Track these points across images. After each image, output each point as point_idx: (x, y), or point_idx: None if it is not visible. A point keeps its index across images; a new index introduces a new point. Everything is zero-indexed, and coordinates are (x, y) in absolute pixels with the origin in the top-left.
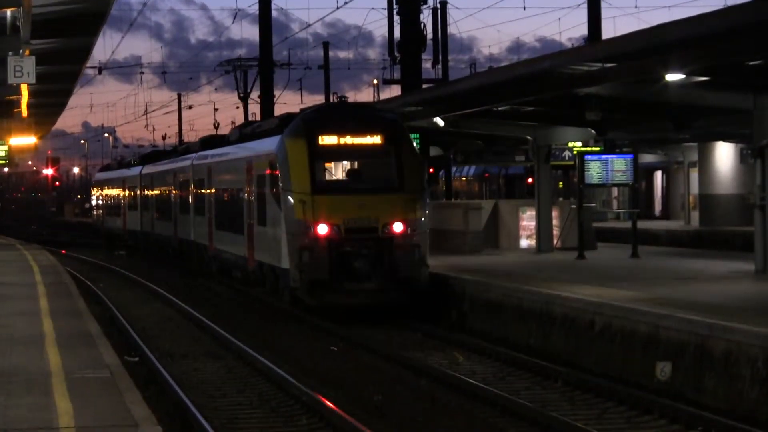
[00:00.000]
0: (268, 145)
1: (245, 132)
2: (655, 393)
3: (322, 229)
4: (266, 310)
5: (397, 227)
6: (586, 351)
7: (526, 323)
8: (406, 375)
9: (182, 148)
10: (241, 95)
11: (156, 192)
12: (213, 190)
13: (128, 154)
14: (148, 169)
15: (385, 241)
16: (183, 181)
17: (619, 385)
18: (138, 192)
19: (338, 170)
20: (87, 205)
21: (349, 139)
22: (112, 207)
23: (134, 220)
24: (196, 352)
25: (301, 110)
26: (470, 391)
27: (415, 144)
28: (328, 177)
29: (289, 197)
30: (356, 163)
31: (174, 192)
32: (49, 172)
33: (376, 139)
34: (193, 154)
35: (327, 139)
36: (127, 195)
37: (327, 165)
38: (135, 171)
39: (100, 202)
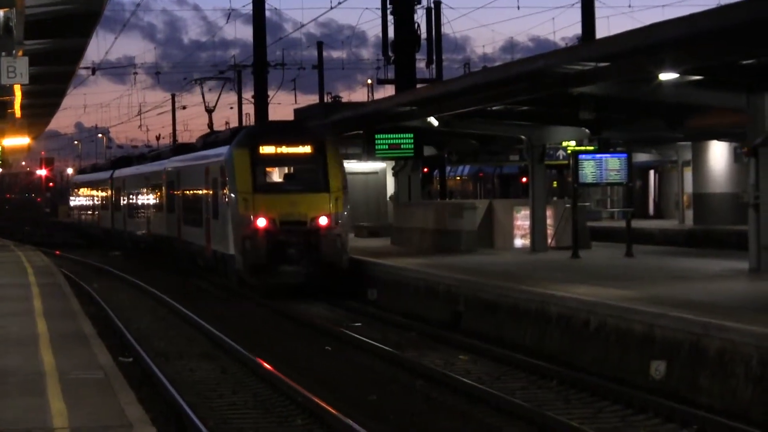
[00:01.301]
0: (220, 153)
1: (207, 141)
2: (650, 392)
3: (261, 222)
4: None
5: (323, 221)
6: (581, 350)
7: (521, 323)
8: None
9: (153, 154)
10: (209, 108)
11: (128, 193)
12: (182, 191)
13: (121, 154)
14: (119, 173)
15: (312, 232)
16: (155, 184)
17: (614, 384)
18: (110, 193)
19: (275, 174)
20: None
21: (284, 149)
22: (87, 207)
23: (106, 219)
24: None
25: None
26: (466, 392)
27: (340, 155)
28: (266, 179)
29: (235, 196)
30: (290, 168)
31: (147, 193)
32: (42, 172)
33: (307, 149)
34: (165, 160)
35: (266, 149)
36: (100, 196)
37: (266, 170)
38: (106, 174)
39: (77, 203)
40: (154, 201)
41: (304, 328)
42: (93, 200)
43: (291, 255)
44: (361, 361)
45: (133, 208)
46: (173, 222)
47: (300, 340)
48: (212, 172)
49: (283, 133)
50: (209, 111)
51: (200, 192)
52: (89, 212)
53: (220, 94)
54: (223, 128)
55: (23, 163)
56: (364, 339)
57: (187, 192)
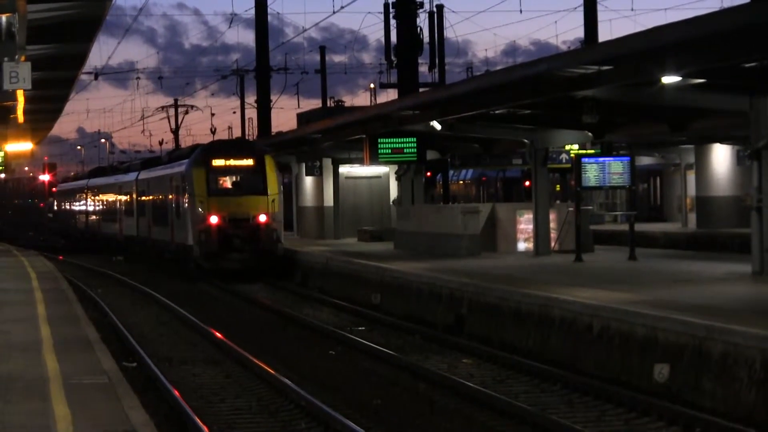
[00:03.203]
0: (182, 166)
1: (172, 156)
2: (654, 395)
3: (214, 219)
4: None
5: (262, 218)
6: (584, 354)
7: (524, 327)
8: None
9: (125, 167)
10: (172, 130)
11: (103, 199)
12: (151, 198)
13: (125, 159)
14: (94, 182)
15: (254, 226)
16: (128, 191)
17: (617, 387)
18: (86, 199)
19: (225, 181)
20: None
21: (232, 162)
22: (68, 212)
23: (83, 221)
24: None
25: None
26: (470, 395)
27: (276, 166)
28: (218, 186)
29: (193, 199)
30: (236, 176)
31: (120, 199)
32: (46, 178)
33: (249, 162)
34: (135, 172)
35: (217, 162)
36: (78, 202)
37: (217, 178)
38: (82, 183)
39: (61, 208)
40: (126, 206)
41: (306, 331)
42: (72, 206)
43: (237, 244)
44: (366, 365)
45: (108, 213)
46: (144, 224)
47: (301, 341)
48: (175, 181)
49: (230, 149)
50: (174, 132)
51: (166, 197)
52: (70, 216)
53: (182, 117)
54: (221, 134)
55: (26, 168)
56: (368, 343)
57: (156, 198)
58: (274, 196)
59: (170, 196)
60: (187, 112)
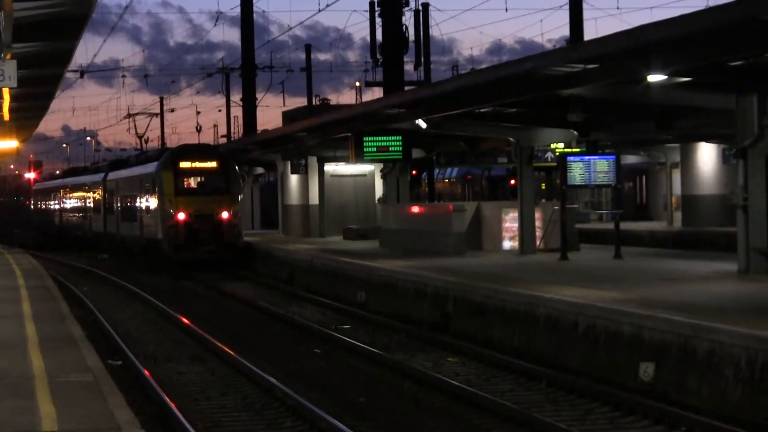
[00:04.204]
0: (152, 167)
1: (139, 159)
2: (639, 393)
3: (181, 216)
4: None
5: (225, 215)
6: (570, 352)
7: (510, 325)
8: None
9: (94, 168)
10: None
11: (74, 198)
12: (120, 196)
13: (112, 157)
14: (65, 182)
15: (217, 222)
16: (96, 191)
17: (602, 385)
18: (59, 198)
19: (191, 182)
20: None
21: (197, 164)
22: (43, 210)
23: (56, 219)
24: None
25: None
26: (455, 393)
27: (238, 167)
28: (184, 186)
29: (163, 197)
30: (201, 177)
31: (88, 197)
32: (31, 176)
33: (213, 164)
34: (102, 173)
35: (184, 164)
36: (53, 201)
37: (184, 179)
38: (57, 183)
39: (36, 206)
40: (94, 204)
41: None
42: (47, 204)
43: (202, 238)
44: (351, 364)
45: (78, 210)
46: (112, 220)
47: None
48: (145, 181)
49: (196, 153)
50: (140, 137)
51: (136, 196)
52: (45, 214)
53: (149, 121)
54: (206, 132)
55: (12, 166)
56: (354, 341)
57: (126, 197)
58: (235, 194)
59: (140, 195)
60: (152, 119)
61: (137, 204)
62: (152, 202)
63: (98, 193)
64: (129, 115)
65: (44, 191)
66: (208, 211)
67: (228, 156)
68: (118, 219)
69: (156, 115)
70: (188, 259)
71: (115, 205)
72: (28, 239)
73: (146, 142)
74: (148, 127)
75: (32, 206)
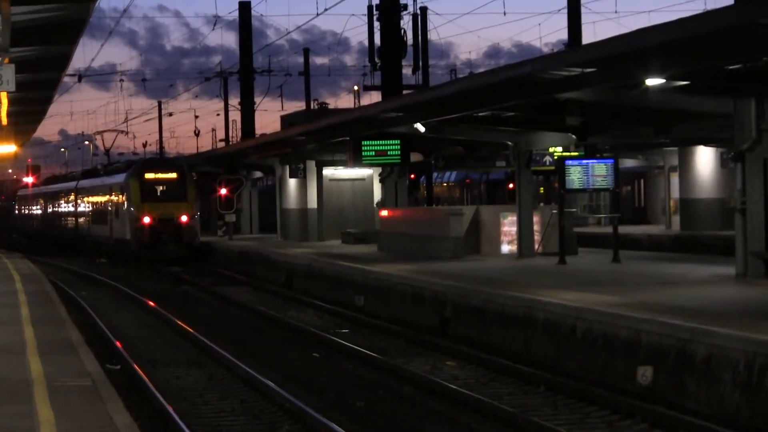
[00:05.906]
0: (121, 177)
1: (108, 169)
2: (637, 397)
3: (146, 219)
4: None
5: (184, 218)
6: (568, 356)
7: (508, 329)
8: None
9: (69, 176)
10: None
11: (50, 203)
12: (92, 202)
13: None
14: (44, 189)
15: (177, 225)
16: (70, 197)
17: (601, 389)
18: (39, 203)
19: (155, 190)
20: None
21: (160, 175)
22: (26, 215)
23: (37, 223)
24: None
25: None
26: (453, 397)
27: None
28: (149, 194)
29: (131, 203)
30: (163, 186)
31: (62, 203)
32: (29, 180)
33: (174, 175)
34: (75, 182)
35: (149, 175)
36: (35, 206)
37: (149, 188)
38: (37, 190)
39: (20, 212)
40: (68, 208)
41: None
42: (30, 209)
43: (165, 239)
44: (349, 368)
45: (54, 214)
46: (84, 223)
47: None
48: (115, 189)
49: (159, 165)
50: (106, 153)
51: (106, 202)
52: (28, 218)
53: (114, 137)
54: (204, 136)
55: (10, 170)
56: (352, 345)
57: (96, 202)
58: (192, 201)
59: (110, 201)
60: (117, 135)
61: (107, 209)
62: (121, 208)
63: (71, 199)
64: (97, 133)
65: (25, 198)
66: (169, 216)
67: (186, 168)
68: (89, 221)
69: (123, 132)
70: (153, 257)
71: (85, 209)
72: (32, 244)
73: (144, 146)
74: (114, 141)
75: (16, 211)
